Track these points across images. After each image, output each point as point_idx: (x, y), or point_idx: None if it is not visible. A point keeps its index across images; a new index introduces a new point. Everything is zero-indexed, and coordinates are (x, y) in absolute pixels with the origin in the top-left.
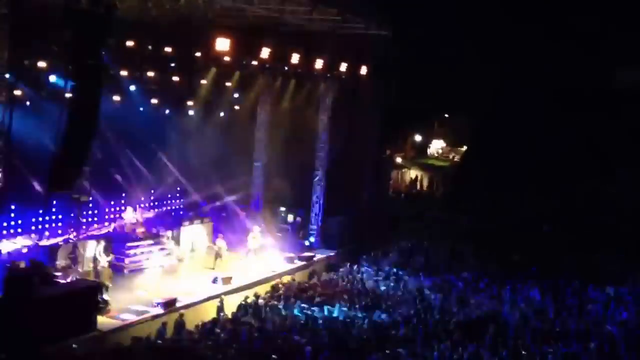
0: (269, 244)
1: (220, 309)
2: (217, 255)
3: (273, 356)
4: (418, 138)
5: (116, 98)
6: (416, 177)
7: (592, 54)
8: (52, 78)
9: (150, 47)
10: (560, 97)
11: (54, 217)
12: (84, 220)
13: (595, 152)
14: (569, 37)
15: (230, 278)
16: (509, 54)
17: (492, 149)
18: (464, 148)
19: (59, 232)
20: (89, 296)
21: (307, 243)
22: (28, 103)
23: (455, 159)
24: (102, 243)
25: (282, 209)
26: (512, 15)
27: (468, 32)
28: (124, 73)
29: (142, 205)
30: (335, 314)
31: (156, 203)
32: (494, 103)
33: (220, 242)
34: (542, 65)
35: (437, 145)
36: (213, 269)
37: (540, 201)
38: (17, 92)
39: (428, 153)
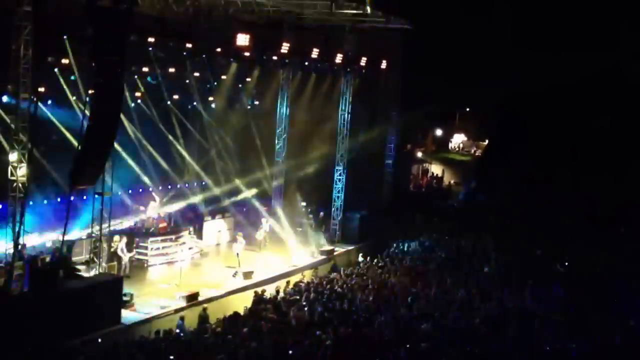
0: (281, 236)
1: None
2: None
3: (290, 352)
4: (439, 132)
5: (137, 94)
6: (443, 171)
7: (618, 44)
8: (75, 74)
9: (171, 43)
10: (584, 90)
11: (77, 211)
12: (107, 215)
13: (621, 145)
14: (593, 30)
15: (252, 273)
16: (532, 47)
17: (514, 143)
18: (486, 142)
19: (83, 226)
20: (112, 290)
21: (327, 237)
22: (51, 100)
23: (477, 153)
24: (125, 238)
25: (303, 203)
26: (534, 7)
27: (490, 25)
28: (145, 69)
29: (164, 200)
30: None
31: (178, 198)
32: (516, 97)
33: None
34: (565, 58)
35: (458, 140)
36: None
37: (563, 195)
38: (41, 89)
39: (449, 147)
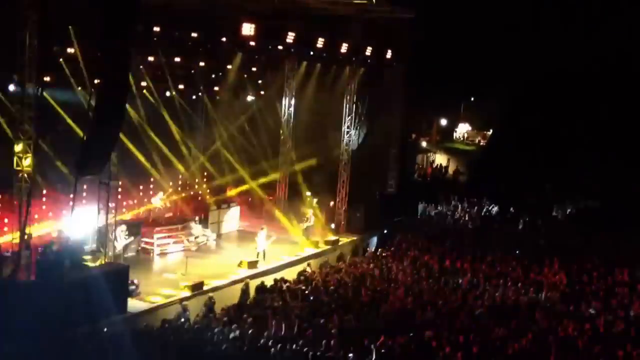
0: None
1: (244, 292)
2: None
3: (294, 342)
4: (444, 122)
5: (143, 83)
6: (447, 160)
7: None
8: (80, 64)
9: (176, 32)
10: (589, 78)
11: (83, 201)
12: (113, 205)
13: (626, 135)
14: (600, 18)
15: (257, 262)
16: (536, 36)
17: (518, 133)
18: (490, 132)
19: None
20: (119, 279)
21: (332, 227)
22: (57, 89)
23: (482, 143)
24: (123, 227)
25: (308, 193)
26: None
27: (495, 14)
28: (150, 58)
29: (170, 190)
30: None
31: (184, 188)
32: (521, 86)
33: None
34: (572, 46)
35: (462, 129)
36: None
37: (568, 185)
38: (46, 79)
39: (454, 137)
